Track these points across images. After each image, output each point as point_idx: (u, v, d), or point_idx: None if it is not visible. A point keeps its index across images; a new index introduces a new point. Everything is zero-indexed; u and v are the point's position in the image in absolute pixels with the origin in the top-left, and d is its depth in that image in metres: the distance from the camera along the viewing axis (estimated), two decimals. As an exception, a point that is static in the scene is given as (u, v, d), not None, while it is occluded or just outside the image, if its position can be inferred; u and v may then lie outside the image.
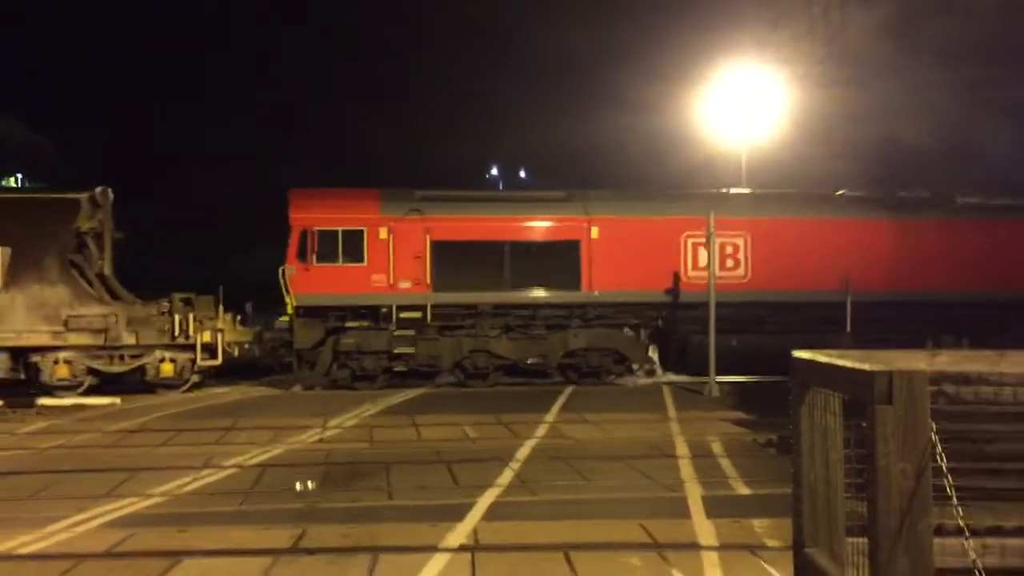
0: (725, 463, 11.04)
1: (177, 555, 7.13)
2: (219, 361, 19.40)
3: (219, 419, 15.05)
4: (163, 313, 19.21)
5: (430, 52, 68.12)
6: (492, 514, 8.57)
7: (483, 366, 19.86)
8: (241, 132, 56.32)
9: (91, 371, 18.94)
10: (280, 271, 19.15)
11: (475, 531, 7.92)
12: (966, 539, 2.96)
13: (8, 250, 18.29)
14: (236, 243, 43.44)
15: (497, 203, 20.58)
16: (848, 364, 3.40)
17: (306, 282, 19.12)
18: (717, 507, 8.68)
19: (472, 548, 7.36)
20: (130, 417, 15.55)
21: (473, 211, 19.95)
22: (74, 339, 18.65)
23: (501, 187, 50.29)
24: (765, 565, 6.78)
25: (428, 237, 19.37)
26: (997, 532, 3.38)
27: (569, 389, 18.88)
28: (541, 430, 13.69)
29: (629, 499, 9.18)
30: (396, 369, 19.95)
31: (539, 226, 20.11)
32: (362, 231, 19.28)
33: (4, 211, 18.60)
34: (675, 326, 20.19)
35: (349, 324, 19.52)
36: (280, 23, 71.01)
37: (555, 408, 16.07)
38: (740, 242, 20.18)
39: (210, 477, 10.41)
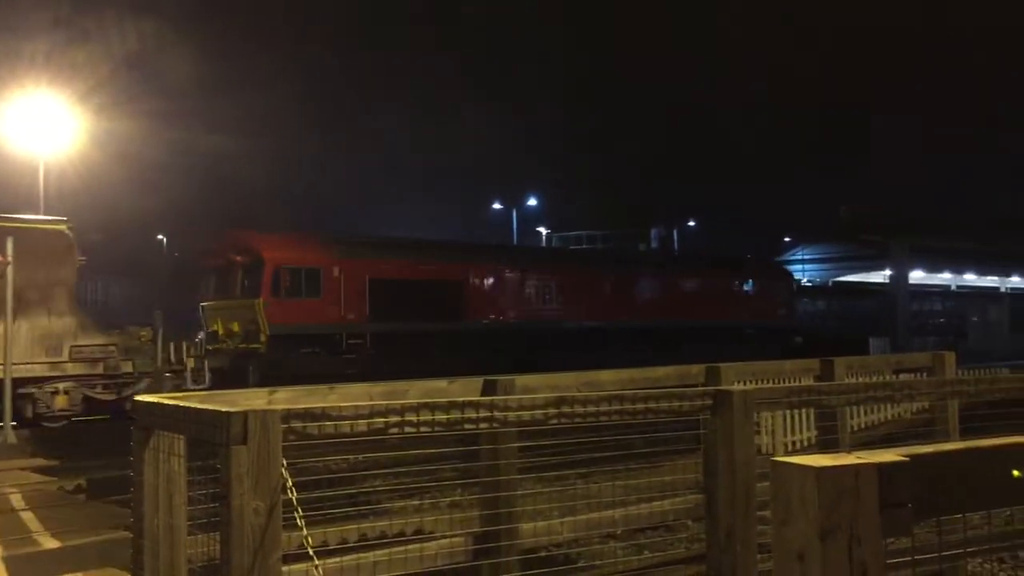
0: (28, 516, 9.99)
1: None
2: (207, 384, 19.22)
3: None
4: (151, 340, 18.80)
5: None
6: None
7: None
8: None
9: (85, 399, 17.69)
10: (256, 304, 21.13)
11: None
12: (315, 565, 3.17)
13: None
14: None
15: (423, 248, 26.21)
16: (199, 406, 3.40)
17: (278, 313, 21.30)
18: (23, 567, 7.84)
19: None
20: None
21: (399, 255, 24.41)
22: (74, 369, 17.55)
23: None
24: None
25: (367, 276, 22.92)
26: (343, 547, 3.67)
27: None
28: None
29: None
30: None
31: (443, 269, 25.22)
32: (319, 270, 22.31)
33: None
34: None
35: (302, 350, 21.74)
36: None
37: None
38: (553, 283, 27.59)
39: None
